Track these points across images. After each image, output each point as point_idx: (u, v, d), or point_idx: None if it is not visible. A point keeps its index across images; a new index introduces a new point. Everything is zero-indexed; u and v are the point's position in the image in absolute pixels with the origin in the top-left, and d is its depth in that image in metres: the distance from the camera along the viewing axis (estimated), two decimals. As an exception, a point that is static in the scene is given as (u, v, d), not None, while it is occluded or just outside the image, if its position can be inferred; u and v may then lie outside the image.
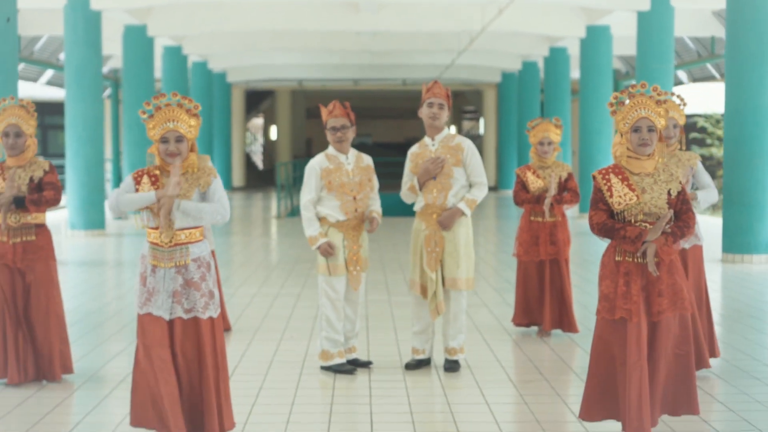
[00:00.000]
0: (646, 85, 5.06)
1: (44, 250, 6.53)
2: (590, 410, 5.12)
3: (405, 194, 7.04)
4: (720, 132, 27.21)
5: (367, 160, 7.08)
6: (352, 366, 6.98)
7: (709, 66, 25.49)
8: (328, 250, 6.79)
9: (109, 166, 26.58)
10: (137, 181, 5.16)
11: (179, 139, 5.14)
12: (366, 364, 7.07)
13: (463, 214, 6.82)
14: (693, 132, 27.04)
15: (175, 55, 24.21)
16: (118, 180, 21.03)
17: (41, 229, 6.55)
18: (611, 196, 4.97)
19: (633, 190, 4.94)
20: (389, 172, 31.58)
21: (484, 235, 17.65)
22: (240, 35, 24.45)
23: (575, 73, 27.04)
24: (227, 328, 8.27)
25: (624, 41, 22.83)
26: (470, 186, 6.94)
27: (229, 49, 25.94)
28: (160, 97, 5.18)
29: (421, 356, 7.06)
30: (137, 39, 20.24)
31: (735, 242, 13.22)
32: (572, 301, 8.08)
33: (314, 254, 13.87)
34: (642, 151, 4.98)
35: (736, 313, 9.31)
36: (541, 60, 27.37)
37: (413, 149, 7.07)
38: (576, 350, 7.64)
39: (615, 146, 5.31)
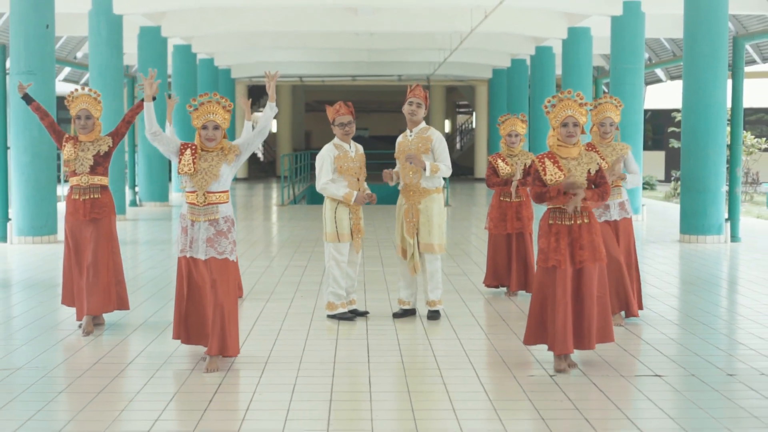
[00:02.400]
0: (571, 91, 6.72)
1: (107, 206, 8.25)
2: (530, 337, 6.82)
3: (384, 177, 8.72)
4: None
5: (361, 149, 8.79)
6: (353, 314, 8.67)
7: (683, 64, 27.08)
8: (364, 197, 8.45)
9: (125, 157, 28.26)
10: (182, 150, 6.87)
11: (216, 127, 6.85)
12: (364, 314, 8.78)
13: (424, 168, 8.41)
14: (671, 126, 28.71)
15: (185, 52, 25.86)
16: (133, 169, 22.85)
17: (105, 189, 8.26)
18: (545, 174, 6.63)
19: (561, 170, 6.61)
20: (385, 163, 33.34)
21: (467, 217, 19.32)
22: (245, 35, 26.10)
23: (560, 70, 28.66)
24: (240, 296, 9.87)
25: (606, 41, 24.50)
26: None
27: (235, 48, 27.62)
28: (203, 96, 6.91)
29: (406, 306, 8.77)
30: (152, 39, 22.01)
31: (691, 224, 14.89)
32: (534, 267, 9.77)
33: (317, 233, 15.58)
34: (568, 141, 6.65)
35: (687, 283, 11.02)
36: (528, 58, 29.02)
37: (399, 138, 8.77)
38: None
39: (549, 138, 6.95)
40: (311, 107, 49.36)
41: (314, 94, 48.39)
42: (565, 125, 6.64)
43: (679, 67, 28.03)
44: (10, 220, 14.84)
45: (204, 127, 6.86)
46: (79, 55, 26.82)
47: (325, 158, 8.60)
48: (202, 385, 6.43)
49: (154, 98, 7.05)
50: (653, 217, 19.07)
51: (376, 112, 52.34)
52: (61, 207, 15.64)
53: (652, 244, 14.54)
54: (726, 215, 15.04)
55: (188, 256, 6.91)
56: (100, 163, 8.21)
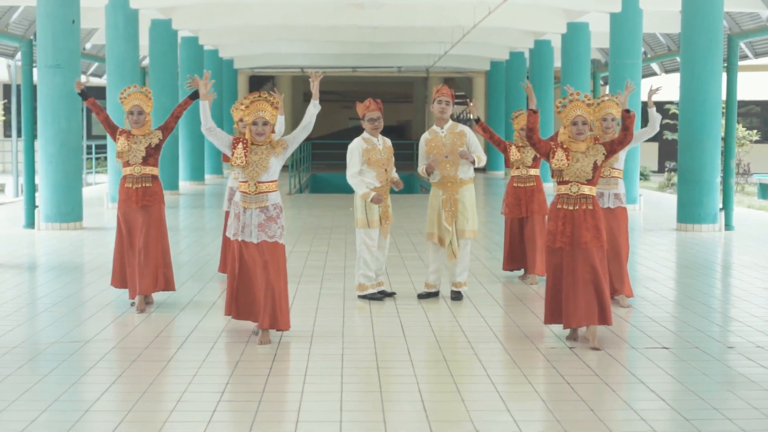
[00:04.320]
0: (580, 93, 7.48)
1: (158, 194, 8.98)
2: (548, 317, 7.62)
3: (420, 173, 9.46)
4: (690, 118, 29.66)
5: (389, 142, 9.52)
6: (381, 295, 9.42)
7: (678, 59, 27.88)
8: (379, 197, 9.20)
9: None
10: (234, 144, 7.59)
11: (265, 123, 7.61)
12: (391, 294, 9.55)
13: (473, 161, 9.24)
14: (666, 119, 29.49)
15: (193, 44, 26.57)
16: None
17: (155, 179, 8.98)
18: (553, 156, 7.43)
19: (568, 159, 7.39)
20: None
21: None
22: (251, 28, 26.82)
23: (558, 63, 29.43)
24: None
25: (605, 36, 25.27)
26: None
27: (240, 40, 28.34)
28: (254, 94, 7.65)
29: (432, 290, 9.52)
30: (163, 32, 22.74)
31: (687, 214, 15.67)
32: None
33: (330, 221, 16.32)
34: (578, 138, 7.41)
35: (684, 268, 11.82)
36: (527, 51, 29.75)
37: (426, 136, 9.49)
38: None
39: (560, 134, 7.62)
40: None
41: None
42: (575, 124, 7.41)
43: (674, 62, 28.81)
44: (37, 207, 15.53)
45: (254, 123, 7.60)
46: (87, 46, 27.46)
47: (353, 151, 9.34)
48: (258, 355, 7.18)
49: (198, 96, 7.76)
50: (649, 207, 19.85)
51: (373, 102, 52.89)
52: (88, 194, 16.32)
53: (650, 233, 15.31)
54: (720, 205, 15.81)
55: (240, 239, 7.64)
56: (151, 155, 8.90)
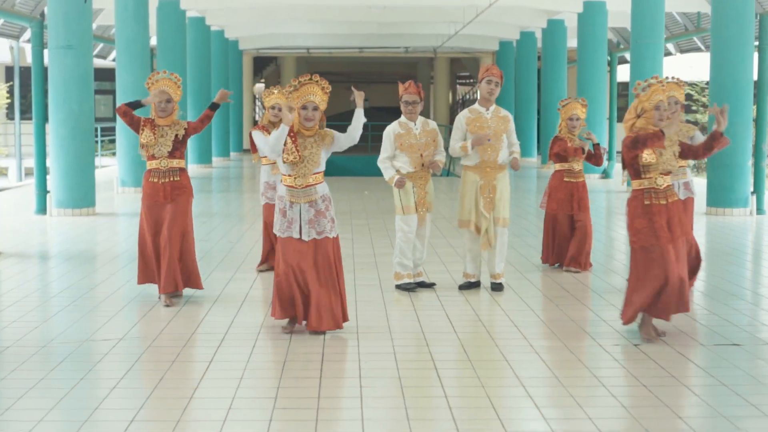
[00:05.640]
0: (658, 76, 6.96)
1: (186, 188, 8.45)
2: (633, 315, 7.04)
3: (455, 151, 8.97)
4: (704, 99, 29.23)
5: (432, 125, 9.04)
6: (417, 285, 8.97)
7: (695, 39, 27.43)
8: (402, 181, 8.74)
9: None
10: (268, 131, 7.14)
11: (315, 108, 7.06)
12: (431, 285, 9.08)
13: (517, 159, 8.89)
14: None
15: (200, 25, 26.05)
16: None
17: (183, 172, 8.45)
18: (641, 154, 6.87)
19: (654, 151, 6.86)
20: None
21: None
22: (258, 8, 26.28)
23: (571, 43, 28.91)
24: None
25: (616, 15, 24.78)
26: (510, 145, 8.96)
27: (247, 20, 27.79)
28: (305, 77, 7.12)
29: (472, 279, 9.06)
30: (170, 12, 22.19)
31: (718, 198, 15.23)
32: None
33: (344, 206, 15.86)
34: (660, 125, 6.88)
35: (724, 255, 11.36)
36: (538, 31, 29.23)
37: (467, 114, 9.00)
38: (588, 276, 9.64)
39: (629, 121, 7.05)
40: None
41: (316, 66, 48.44)
42: (658, 108, 6.88)
43: (690, 42, 28.31)
44: (48, 192, 15.06)
45: (304, 108, 7.05)
46: (93, 27, 26.87)
47: (385, 136, 8.89)
48: (305, 354, 6.71)
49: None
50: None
51: (377, 83, 52.48)
52: (96, 178, 15.83)
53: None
54: (752, 188, 15.35)
55: (286, 236, 7.14)
56: (177, 148, 8.39)
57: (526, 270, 10.08)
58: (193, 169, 25.10)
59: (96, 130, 31.36)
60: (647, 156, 6.85)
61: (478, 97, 9.07)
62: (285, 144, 7.06)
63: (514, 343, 7.05)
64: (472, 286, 9.07)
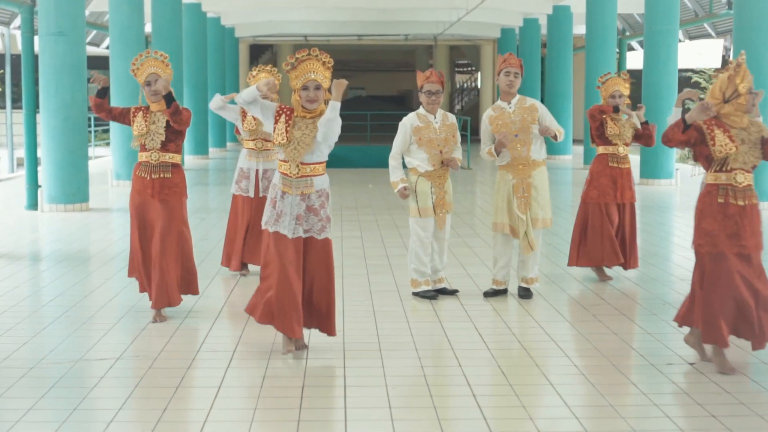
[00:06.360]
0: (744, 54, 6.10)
1: (178, 186, 7.47)
2: (710, 335, 6.01)
3: (485, 156, 8.26)
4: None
5: (452, 118, 8.30)
6: (437, 293, 8.25)
7: (706, 25, 26.73)
8: (404, 194, 8.04)
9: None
10: (278, 115, 6.33)
11: (317, 87, 6.25)
12: (453, 292, 8.36)
13: (554, 136, 8.06)
14: (687, 87, 28.30)
15: (196, 11, 25.25)
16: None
17: (176, 168, 7.49)
18: (713, 144, 6.00)
19: (734, 141, 6.02)
20: (382, 124, 32.80)
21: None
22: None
23: (577, 30, 28.19)
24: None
25: (622, 1, 24.02)
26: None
27: (244, 6, 27.01)
28: (302, 52, 6.29)
29: (500, 287, 8.34)
30: (166, -1, 21.35)
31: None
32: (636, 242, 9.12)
33: (345, 200, 15.17)
34: (752, 110, 6.04)
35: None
36: (542, 17, 28.49)
37: (490, 113, 8.28)
38: (623, 281, 8.93)
39: (722, 110, 5.99)
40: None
41: (312, 53, 47.57)
42: (750, 92, 6.02)
43: (700, 28, 27.61)
44: (40, 187, 14.33)
45: (304, 88, 6.26)
46: (85, 13, 26.07)
47: (401, 128, 8.15)
48: (325, 378, 6.00)
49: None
50: (686, 183, 18.68)
51: (373, 71, 51.70)
52: (90, 170, 15.10)
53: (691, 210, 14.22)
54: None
55: (273, 230, 6.35)
56: (172, 140, 7.45)
57: (555, 276, 9.36)
58: (190, 160, 24.37)
59: (89, 120, 30.71)
60: (720, 148, 5.96)
61: (499, 92, 8.36)
62: (277, 124, 6.32)
63: (554, 362, 6.34)
64: (498, 293, 8.36)
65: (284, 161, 6.37)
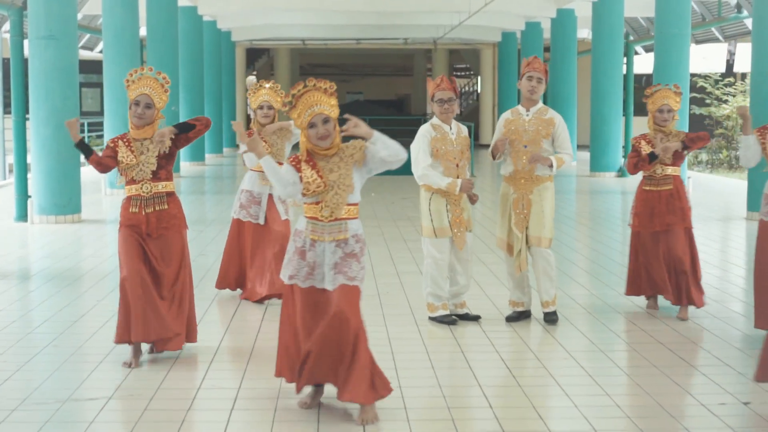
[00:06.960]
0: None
1: (177, 218, 6.61)
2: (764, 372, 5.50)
3: (488, 153, 7.70)
4: (718, 92, 27.95)
5: (465, 131, 7.69)
6: (457, 318, 7.65)
7: (713, 29, 26.18)
8: (471, 183, 7.40)
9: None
10: (297, 168, 5.42)
11: (326, 120, 5.33)
12: (475, 318, 7.74)
13: (551, 164, 7.46)
14: (693, 92, 27.75)
15: (191, 14, 24.65)
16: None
17: (171, 197, 6.61)
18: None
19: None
20: (380, 129, 32.16)
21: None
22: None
23: (581, 34, 27.65)
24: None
25: (628, 5, 23.43)
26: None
27: (240, 9, 26.40)
28: (298, 86, 5.38)
29: (520, 308, 7.74)
30: (161, 1, 20.73)
31: (759, 202, 13.90)
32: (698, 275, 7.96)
33: (359, 209, 14.53)
34: None
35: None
36: (545, 21, 27.92)
37: (507, 116, 7.69)
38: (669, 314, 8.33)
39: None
40: (305, 70, 48.06)
41: (308, 57, 47.06)
42: None
43: (707, 32, 27.07)
44: (30, 197, 13.71)
45: (311, 126, 5.35)
46: (78, 16, 25.46)
47: (420, 139, 7.51)
48: (342, 426, 5.38)
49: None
50: (698, 190, 18.09)
51: (371, 75, 51.15)
52: (82, 178, 14.46)
53: (716, 222, 13.72)
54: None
55: (306, 286, 5.45)
56: (162, 167, 6.52)
57: (572, 294, 8.75)
58: (186, 167, 23.75)
59: (83, 125, 30.09)
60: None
61: (521, 97, 7.77)
62: (302, 173, 5.42)
63: (594, 402, 5.72)
64: (521, 316, 7.76)
65: (315, 203, 5.47)
